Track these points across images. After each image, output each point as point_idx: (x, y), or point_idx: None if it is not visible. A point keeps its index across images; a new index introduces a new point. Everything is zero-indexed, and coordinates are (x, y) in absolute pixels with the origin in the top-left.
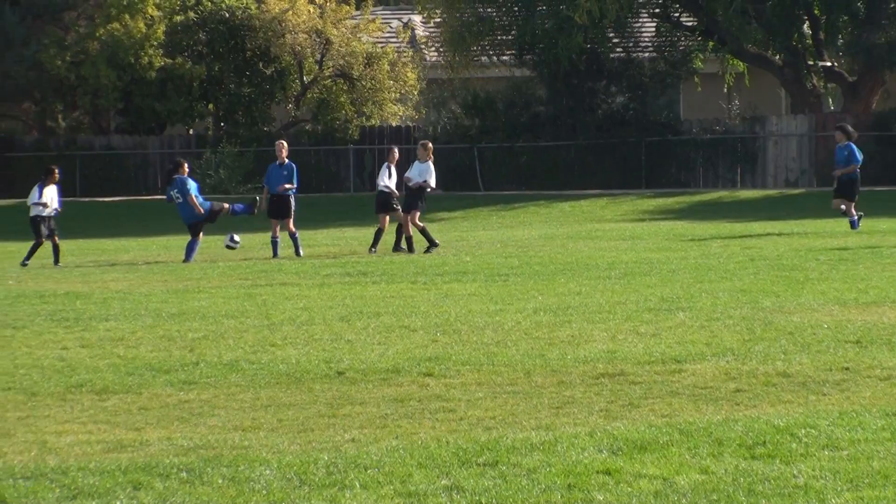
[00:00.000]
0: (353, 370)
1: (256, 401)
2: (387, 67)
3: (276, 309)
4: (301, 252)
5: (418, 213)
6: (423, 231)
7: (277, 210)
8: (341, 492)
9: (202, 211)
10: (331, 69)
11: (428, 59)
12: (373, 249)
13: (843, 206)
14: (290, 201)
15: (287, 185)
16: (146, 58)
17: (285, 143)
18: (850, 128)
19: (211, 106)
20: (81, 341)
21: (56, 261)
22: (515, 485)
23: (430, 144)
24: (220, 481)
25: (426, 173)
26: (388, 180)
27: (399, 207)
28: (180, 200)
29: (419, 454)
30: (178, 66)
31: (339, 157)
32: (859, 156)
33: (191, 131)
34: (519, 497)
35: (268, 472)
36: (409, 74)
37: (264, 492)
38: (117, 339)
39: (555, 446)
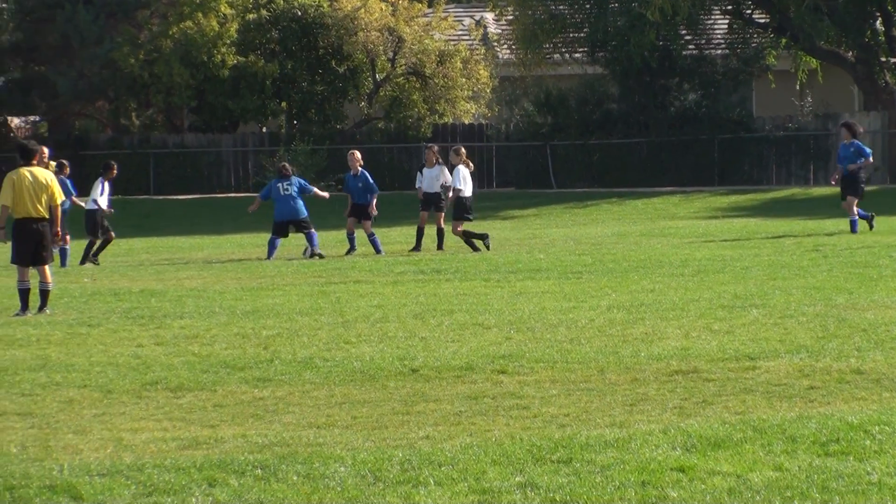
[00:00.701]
0: (427, 367)
1: (331, 398)
2: (459, 65)
3: (350, 306)
4: (382, 250)
5: (441, 215)
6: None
7: (359, 213)
8: (416, 489)
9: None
10: (403, 67)
11: (500, 56)
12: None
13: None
14: (372, 209)
15: (373, 211)
16: (219, 56)
17: (358, 154)
18: (856, 126)
19: (284, 104)
20: (156, 339)
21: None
22: (589, 482)
23: (463, 150)
24: (294, 478)
25: (455, 178)
26: (420, 182)
27: (441, 209)
28: (288, 192)
29: (493, 451)
30: (251, 63)
31: (411, 154)
32: (868, 150)
33: (264, 129)
34: (593, 494)
35: (342, 469)
36: (481, 72)
37: (339, 489)
38: (192, 336)
39: (629, 443)
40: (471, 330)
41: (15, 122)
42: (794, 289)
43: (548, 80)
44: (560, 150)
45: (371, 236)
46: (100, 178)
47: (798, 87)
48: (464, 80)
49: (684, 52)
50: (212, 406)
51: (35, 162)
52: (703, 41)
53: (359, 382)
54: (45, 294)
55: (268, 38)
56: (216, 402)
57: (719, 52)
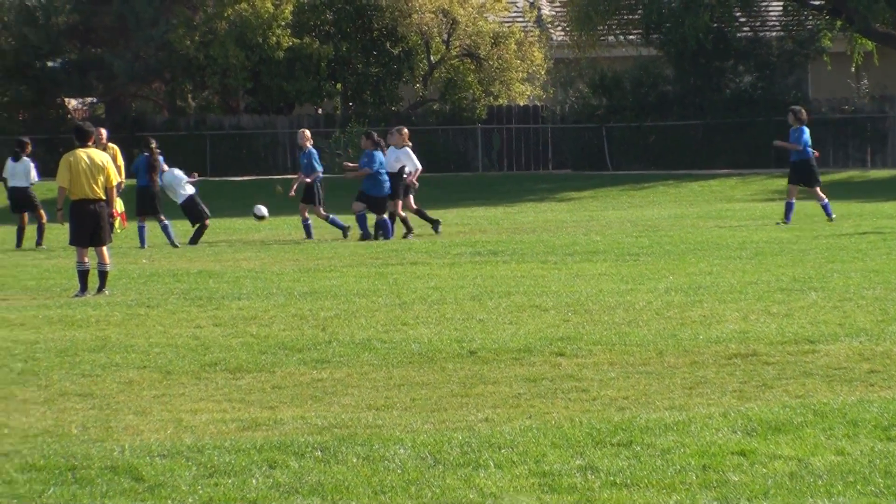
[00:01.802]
0: (485, 349)
1: (389, 380)
2: (514, 47)
3: (408, 288)
4: (312, 235)
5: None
6: (403, 220)
7: (304, 196)
8: (475, 471)
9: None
10: (458, 49)
11: (554, 38)
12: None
13: (819, 193)
14: (314, 188)
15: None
16: (274, 38)
17: (307, 132)
18: (802, 111)
19: (339, 85)
20: (215, 320)
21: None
22: (650, 465)
23: (406, 130)
24: (354, 460)
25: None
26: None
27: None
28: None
29: (553, 434)
30: (306, 45)
31: (466, 136)
32: (807, 139)
33: (319, 111)
34: (653, 477)
35: (402, 451)
36: (536, 54)
37: (399, 471)
38: (250, 317)
39: (689, 427)
40: (528, 312)
41: (72, 103)
42: (852, 272)
43: (602, 61)
44: (615, 132)
45: (305, 221)
46: (160, 158)
47: (854, 70)
48: (518, 61)
49: (739, 34)
50: (270, 387)
51: (91, 143)
52: (758, 23)
53: (417, 364)
54: (103, 275)
55: (322, 19)
56: (275, 383)
57: (774, 34)
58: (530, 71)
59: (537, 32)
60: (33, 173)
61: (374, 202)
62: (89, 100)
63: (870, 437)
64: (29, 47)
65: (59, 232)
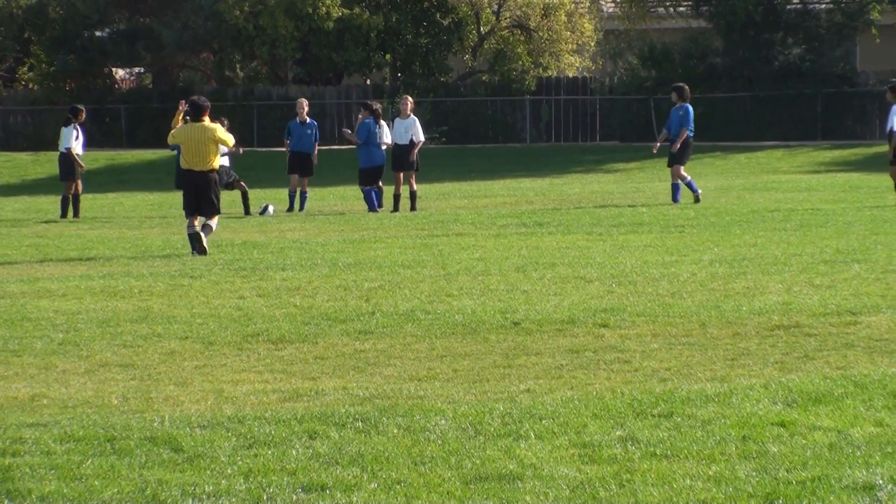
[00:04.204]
0: (528, 321)
1: (432, 351)
2: (564, 18)
3: (452, 259)
4: (304, 208)
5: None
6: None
7: (302, 167)
8: (516, 442)
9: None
10: (508, 20)
11: (605, 10)
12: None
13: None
14: (311, 160)
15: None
16: (324, 8)
17: (306, 102)
18: (686, 90)
19: (388, 56)
20: (258, 291)
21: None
22: (690, 436)
23: (411, 99)
24: (395, 431)
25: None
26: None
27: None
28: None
29: (594, 405)
30: (356, 16)
31: (515, 107)
32: (691, 122)
33: (368, 81)
34: (693, 448)
35: (443, 421)
36: (585, 25)
37: (439, 441)
38: (294, 288)
39: (729, 398)
40: (572, 283)
41: (119, 73)
42: None
43: (652, 33)
44: (664, 104)
45: (303, 194)
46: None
47: None
48: (568, 33)
49: (788, 7)
50: (313, 358)
51: (204, 119)
52: None
53: (460, 335)
54: (207, 227)
55: None
56: (317, 354)
57: (823, 6)
58: (580, 42)
59: (587, 4)
60: (73, 139)
61: (361, 174)
62: (137, 69)
63: None
64: (77, 17)
65: (102, 203)
